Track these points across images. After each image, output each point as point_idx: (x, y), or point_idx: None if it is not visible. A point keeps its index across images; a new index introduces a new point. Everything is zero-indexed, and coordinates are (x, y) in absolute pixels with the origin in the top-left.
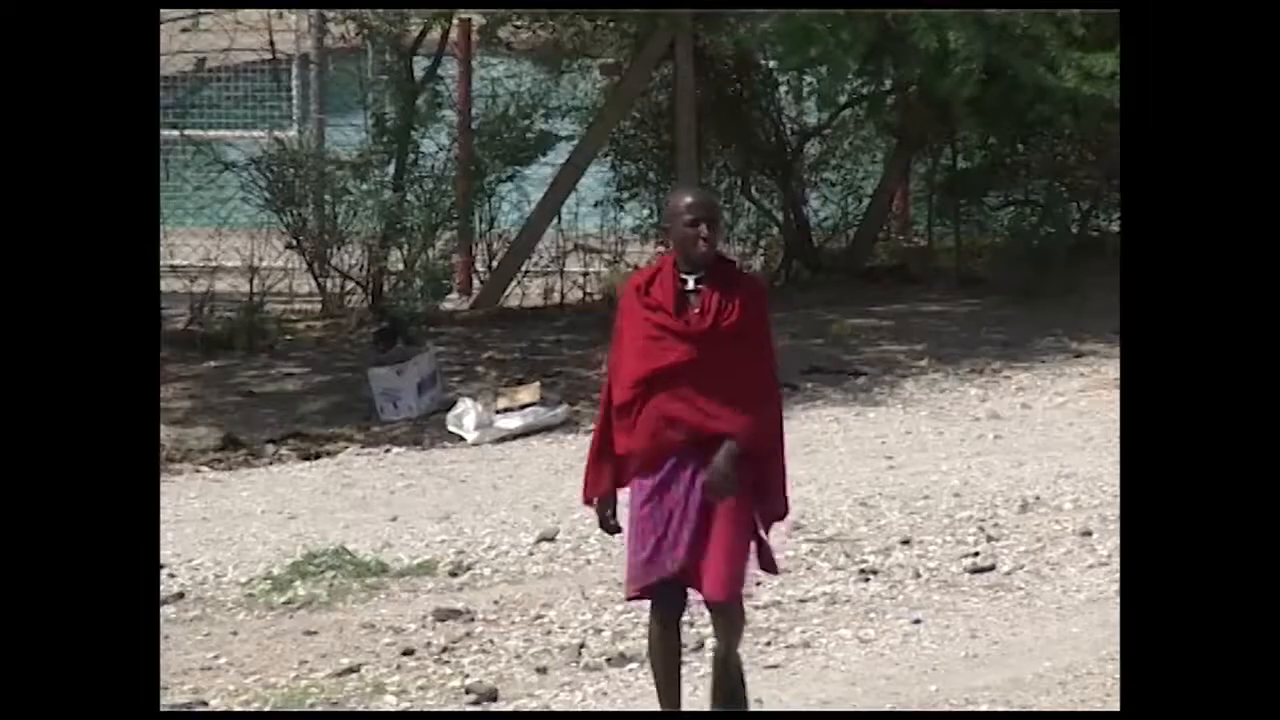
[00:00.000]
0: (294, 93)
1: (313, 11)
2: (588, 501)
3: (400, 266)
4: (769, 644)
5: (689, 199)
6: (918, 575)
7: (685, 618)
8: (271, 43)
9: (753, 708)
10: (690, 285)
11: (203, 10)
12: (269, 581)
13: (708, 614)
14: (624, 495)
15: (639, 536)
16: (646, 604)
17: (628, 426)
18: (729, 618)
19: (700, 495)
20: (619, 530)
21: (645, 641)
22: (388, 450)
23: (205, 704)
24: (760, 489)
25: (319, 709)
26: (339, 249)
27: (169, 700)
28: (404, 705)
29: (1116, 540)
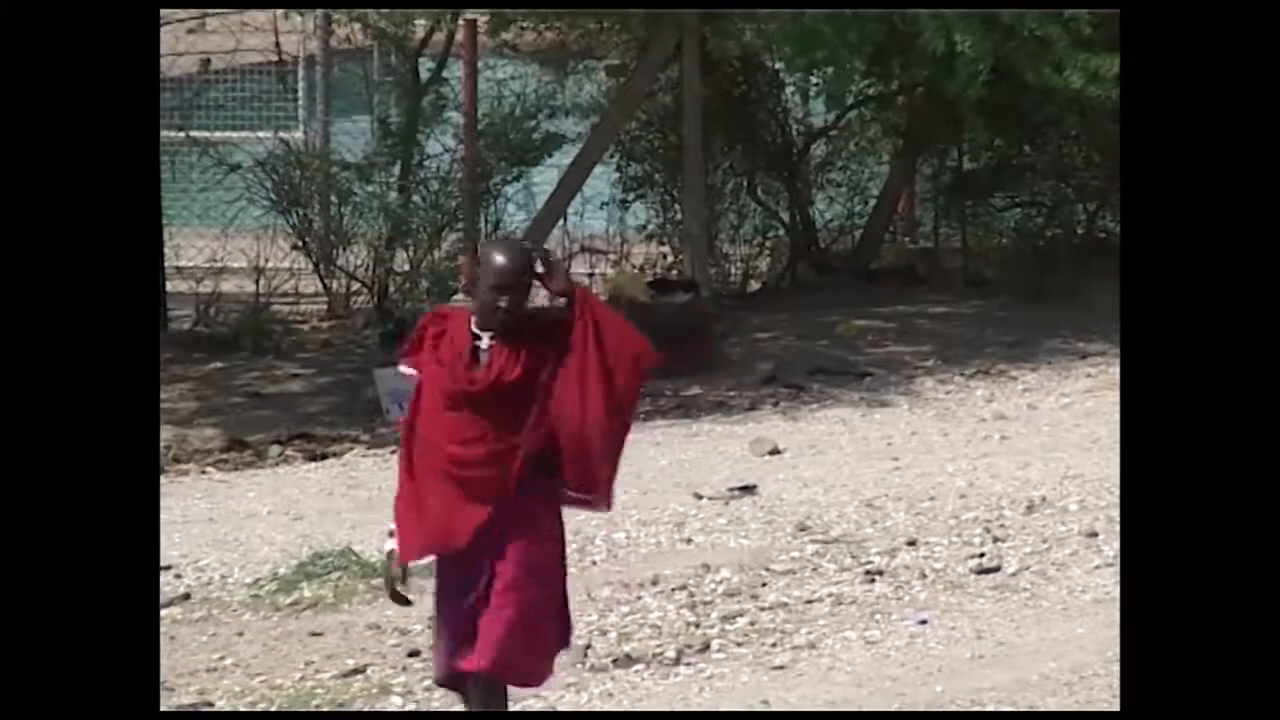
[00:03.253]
0: (300, 94)
1: (318, 12)
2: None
3: (406, 267)
4: (775, 645)
5: (495, 263)
6: (923, 576)
7: (690, 616)
8: (277, 44)
9: (758, 709)
10: (484, 344)
11: (209, 11)
12: (275, 582)
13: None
14: None
15: (439, 621)
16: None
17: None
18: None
19: (501, 573)
20: (409, 604)
21: (650, 642)
22: (394, 451)
23: (211, 705)
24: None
25: (325, 710)
26: (345, 250)
27: (175, 701)
28: (410, 706)
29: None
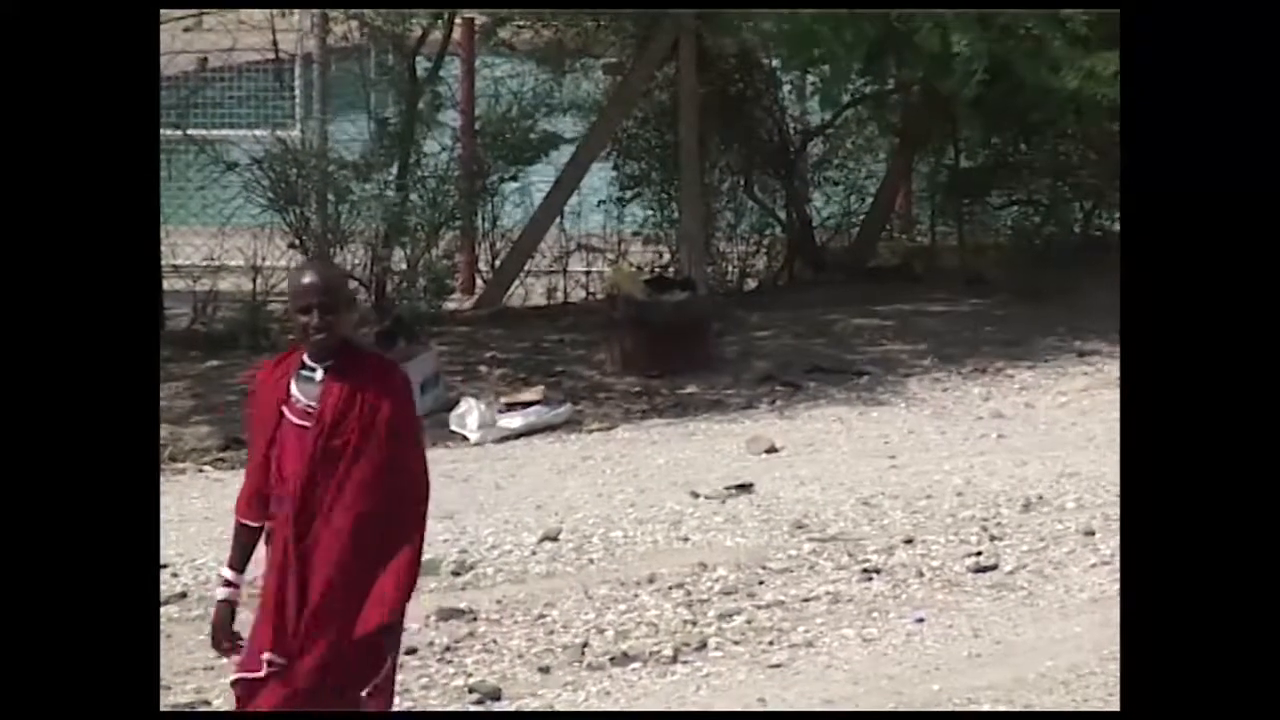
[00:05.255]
0: (297, 92)
1: (315, 11)
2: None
3: (403, 266)
4: (772, 643)
5: (298, 281)
6: (920, 574)
7: (687, 614)
8: (274, 42)
9: (756, 707)
10: (318, 375)
11: (205, 10)
12: None
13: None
14: None
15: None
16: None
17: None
18: None
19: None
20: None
21: (647, 641)
22: None
23: (208, 703)
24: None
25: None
26: (342, 249)
27: (172, 700)
28: (407, 704)
29: (1119, 539)
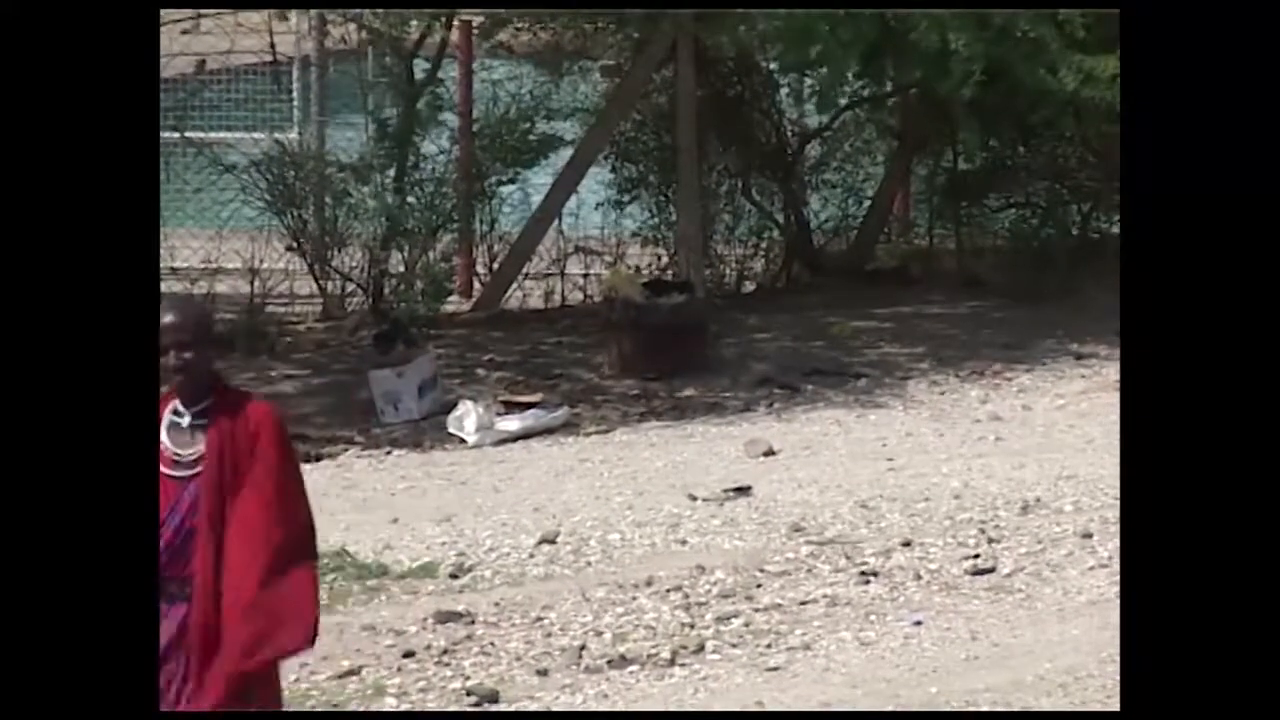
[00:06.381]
0: (295, 95)
1: (313, 13)
2: None
3: (401, 269)
4: (769, 646)
5: (162, 320)
6: (918, 577)
7: (684, 617)
8: (272, 45)
9: (753, 710)
10: (185, 421)
11: (203, 12)
12: None
13: None
14: None
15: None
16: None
17: None
18: None
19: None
20: None
21: (645, 643)
22: (388, 452)
23: None
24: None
25: (320, 711)
26: (340, 251)
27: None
28: (405, 707)
29: (1117, 542)
